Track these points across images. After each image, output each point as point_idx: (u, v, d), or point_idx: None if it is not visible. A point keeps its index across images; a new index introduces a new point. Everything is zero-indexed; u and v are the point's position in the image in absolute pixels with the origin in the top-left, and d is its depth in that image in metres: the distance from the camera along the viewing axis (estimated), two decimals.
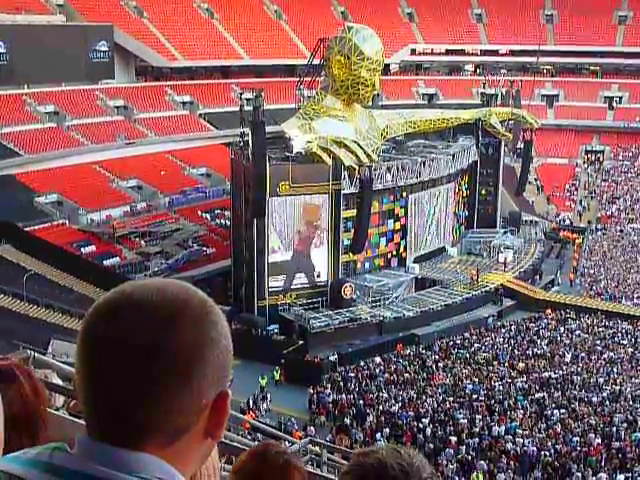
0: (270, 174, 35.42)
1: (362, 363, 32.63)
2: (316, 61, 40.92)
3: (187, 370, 1.20)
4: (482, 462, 21.93)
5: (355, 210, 37.93)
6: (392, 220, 41.75)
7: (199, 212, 48.50)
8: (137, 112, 56.06)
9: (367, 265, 40.96)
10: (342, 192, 37.66)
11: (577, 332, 36.60)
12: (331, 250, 38.20)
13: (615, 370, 30.81)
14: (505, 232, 48.14)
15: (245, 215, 36.95)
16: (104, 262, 40.75)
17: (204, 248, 44.79)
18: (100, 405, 1.20)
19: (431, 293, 40.20)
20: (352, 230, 38.33)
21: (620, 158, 65.21)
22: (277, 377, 31.83)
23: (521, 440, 23.18)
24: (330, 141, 36.79)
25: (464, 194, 48.24)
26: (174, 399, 1.20)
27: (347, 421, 25.99)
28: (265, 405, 28.99)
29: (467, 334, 36.30)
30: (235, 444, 5.32)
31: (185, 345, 1.20)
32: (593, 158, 65.68)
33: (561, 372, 30.26)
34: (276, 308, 36.72)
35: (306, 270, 37.53)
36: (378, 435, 24.41)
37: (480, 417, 25.34)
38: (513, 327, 37.59)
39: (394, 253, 42.19)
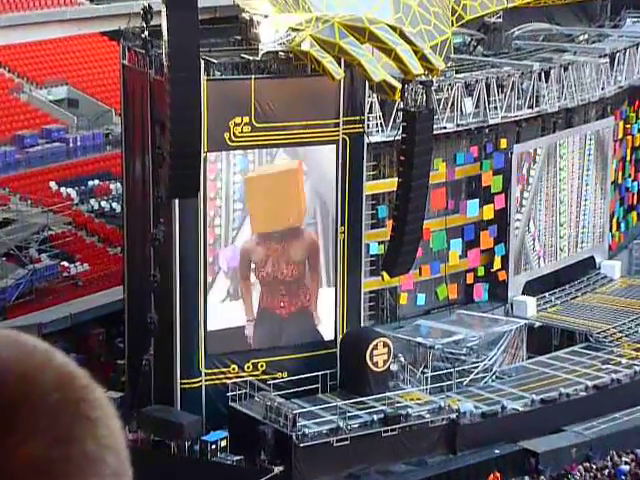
0: (207, 99, 35.97)
1: None
2: None
3: None
4: None
5: (396, 180, 38.42)
6: (476, 200, 41.74)
7: (53, 184, 49.85)
8: None
9: (421, 298, 42.24)
10: (366, 141, 38.89)
11: None
12: (341, 268, 38.68)
13: None
14: None
15: (155, 192, 37.35)
16: None
17: (64, 263, 46.00)
18: None
19: (565, 360, 40.96)
20: (389, 224, 38.90)
21: None
22: None
23: None
24: (340, 27, 35.91)
25: (638, 143, 50.31)
26: None
27: None
28: None
29: None
30: None
31: (30, 467, 1.25)
32: None
33: None
34: (224, 393, 37.60)
35: (301, 338, 39.38)
36: None
37: None
38: None
39: (481, 272, 42.92)
